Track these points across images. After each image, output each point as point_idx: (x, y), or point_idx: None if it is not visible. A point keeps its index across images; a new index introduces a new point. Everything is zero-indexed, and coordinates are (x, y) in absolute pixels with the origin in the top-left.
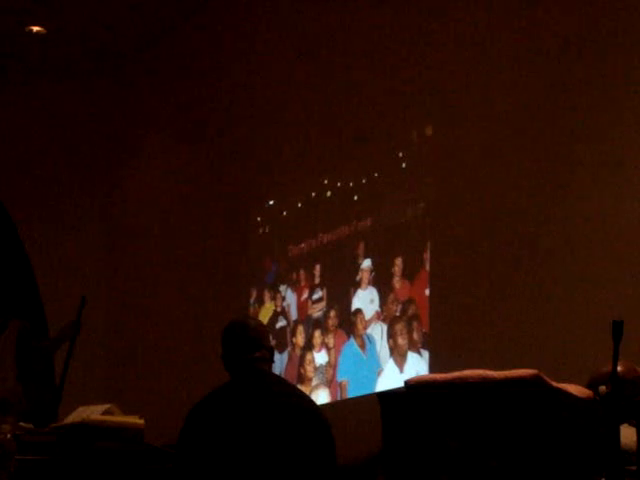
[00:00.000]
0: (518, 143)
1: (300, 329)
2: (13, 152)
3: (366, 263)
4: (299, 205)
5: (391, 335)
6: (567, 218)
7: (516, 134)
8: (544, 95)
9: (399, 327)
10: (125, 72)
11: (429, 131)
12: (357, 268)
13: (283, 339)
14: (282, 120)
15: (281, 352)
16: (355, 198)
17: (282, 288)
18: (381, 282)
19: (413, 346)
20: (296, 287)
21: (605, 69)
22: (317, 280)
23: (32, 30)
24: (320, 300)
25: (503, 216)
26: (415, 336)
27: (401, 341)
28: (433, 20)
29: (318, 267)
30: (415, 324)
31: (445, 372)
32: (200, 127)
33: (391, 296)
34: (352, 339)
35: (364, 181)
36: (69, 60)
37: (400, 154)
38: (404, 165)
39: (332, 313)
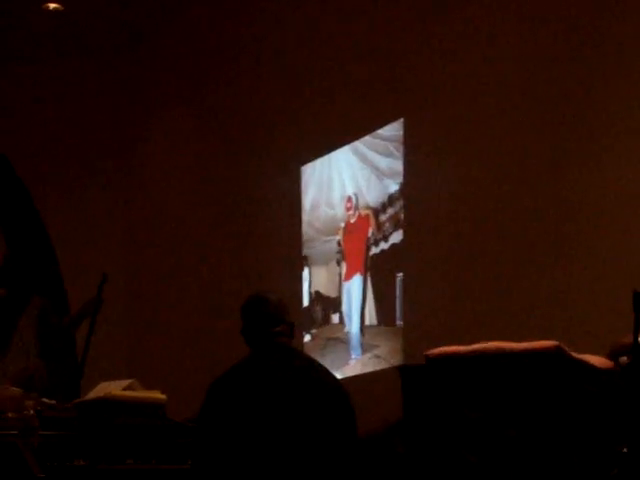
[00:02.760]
0: (526, 116)
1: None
2: (31, 129)
3: None
4: None
5: None
6: (584, 189)
7: (527, 101)
8: (549, 70)
9: None
10: (142, 48)
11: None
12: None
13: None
14: (301, 93)
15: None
16: None
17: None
18: None
19: None
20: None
21: (606, 54)
22: None
23: (49, 7)
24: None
25: (518, 191)
26: None
27: None
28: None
29: None
30: None
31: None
32: (218, 102)
33: None
34: None
35: None
36: (86, 37)
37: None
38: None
39: None
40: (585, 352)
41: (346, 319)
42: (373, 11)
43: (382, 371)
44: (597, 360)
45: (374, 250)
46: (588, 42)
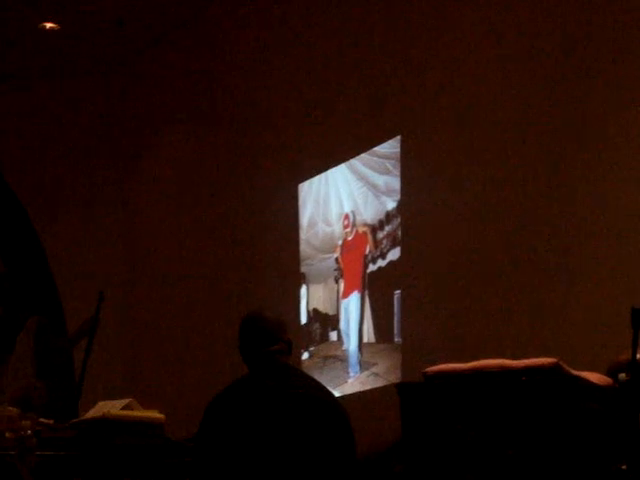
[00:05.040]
0: (524, 130)
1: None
2: (28, 148)
3: None
4: None
5: None
6: (585, 204)
7: (521, 122)
8: (542, 89)
9: None
10: (139, 67)
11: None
12: None
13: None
14: (298, 111)
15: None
16: None
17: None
18: None
19: None
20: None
21: (604, 66)
22: None
23: (45, 26)
24: None
25: (517, 206)
26: None
27: None
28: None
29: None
30: None
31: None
32: (215, 120)
33: None
34: None
35: None
36: (83, 56)
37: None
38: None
39: None
40: (584, 369)
41: (344, 337)
42: (369, 29)
43: (380, 389)
44: (596, 377)
45: (372, 267)
46: (585, 56)
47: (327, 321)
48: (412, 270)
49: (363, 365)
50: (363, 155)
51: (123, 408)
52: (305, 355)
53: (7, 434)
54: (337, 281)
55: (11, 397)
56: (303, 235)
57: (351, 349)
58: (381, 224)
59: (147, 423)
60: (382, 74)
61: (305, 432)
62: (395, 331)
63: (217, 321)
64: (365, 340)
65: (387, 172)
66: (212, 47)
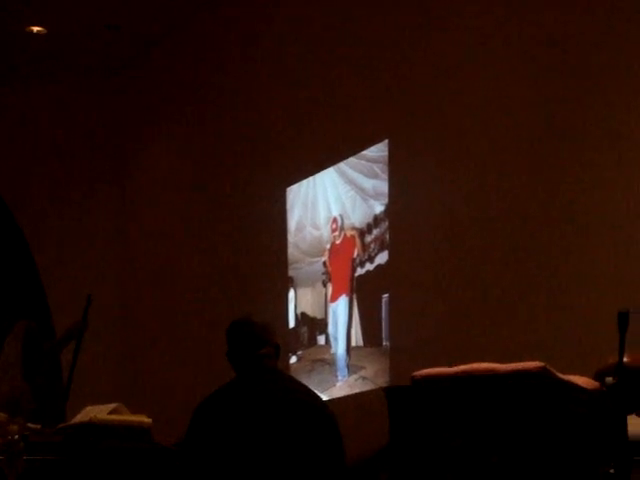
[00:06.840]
0: (514, 134)
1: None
2: (18, 152)
3: None
4: None
5: None
6: (575, 208)
7: (511, 126)
8: (539, 91)
9: None
10: (128, 70)
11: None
12: None
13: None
14: (286, 115)
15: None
16: None
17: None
18: None
19: None
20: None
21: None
22: None
23: (33, 30)
24: None
25: (505, 210)
26: None
27: None
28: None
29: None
30: None
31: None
32: (205, 125)
33: None
34: None
35: None
36: (70, 60)
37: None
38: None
39: None
40: (571, 373)
41: (332, 340)
42: (357, 32)
43: (368, 392)
44: (583, 381)
45: (360, 271)
46: (579, 58)
47: (315, 325)
48: (400, 274)
49: (351, 369)
50: (351, 159)
51: (110, 412)
52: (293, 359)
53: None
54: (325, 285)
55: None
56: (291, 239)
57: (339, 353)
58: (369, 228)
59: (134, 427)
60: (370, 78)
61: (293, 436)
62: (383, 335)
63: (205, 325)
64: (353, 344)
65: (375, 176)
66: (202, 52)
